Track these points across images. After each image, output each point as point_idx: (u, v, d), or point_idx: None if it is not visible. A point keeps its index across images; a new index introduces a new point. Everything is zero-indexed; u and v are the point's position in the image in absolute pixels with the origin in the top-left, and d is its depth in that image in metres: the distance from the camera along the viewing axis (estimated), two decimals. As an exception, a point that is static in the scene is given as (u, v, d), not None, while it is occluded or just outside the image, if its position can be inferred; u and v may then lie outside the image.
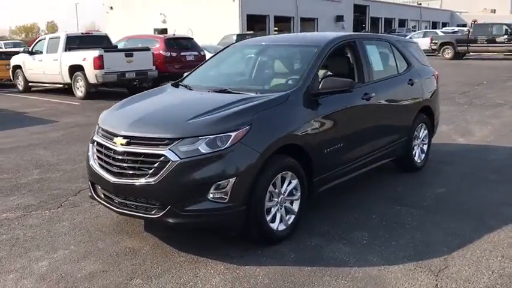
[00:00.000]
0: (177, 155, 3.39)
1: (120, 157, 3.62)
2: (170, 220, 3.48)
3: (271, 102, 3.92)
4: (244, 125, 3.55)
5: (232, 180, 3.42)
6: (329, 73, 4.70)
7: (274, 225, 3.77)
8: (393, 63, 5.53)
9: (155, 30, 19.47)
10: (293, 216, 3.95)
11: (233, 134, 3.47)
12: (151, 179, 3.44)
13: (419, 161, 5.79)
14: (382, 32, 49.79)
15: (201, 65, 5.31)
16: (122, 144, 3.61)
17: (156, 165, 3.45)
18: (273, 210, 3.77)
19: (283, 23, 45.44)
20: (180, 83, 4.91)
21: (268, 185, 3.65)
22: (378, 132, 4.96)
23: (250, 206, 3.54)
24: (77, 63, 13.22)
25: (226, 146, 3.43)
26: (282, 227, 3.85)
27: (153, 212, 3.55)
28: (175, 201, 3.44)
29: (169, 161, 3.40)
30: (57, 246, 3.86)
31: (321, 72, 4.57)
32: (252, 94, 4.14)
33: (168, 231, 4.02)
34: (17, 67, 15.53)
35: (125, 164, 3.59)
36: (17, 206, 4.81)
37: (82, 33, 15.35)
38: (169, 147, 3.44)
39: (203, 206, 3.43)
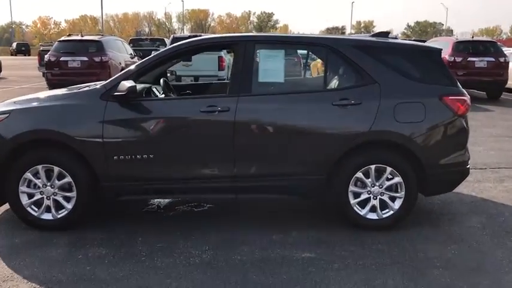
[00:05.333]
0: None
1: None
2: None
3: (50, 98, 4.28)
4: (4, 113, 4.07)
5: None
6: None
7: (36, 213, 4.08)
8: (319, 75, 4.60)
9: None
10: (66, 212, 4.07)
11: None
12: None
13: (372, 217, 4.19)
14: None
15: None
16: None
17: None
18: (36, 198, 4.05)
19: None
20: None
21: (23, 173, 3.97)
22: (238, 157, 4.08)
23: (3, 184, 4.02)
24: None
25: None
26: (47, 216, 4.08)
27: None
28: None
29: None
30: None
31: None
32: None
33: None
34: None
35: None
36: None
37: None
38: None
39: None
